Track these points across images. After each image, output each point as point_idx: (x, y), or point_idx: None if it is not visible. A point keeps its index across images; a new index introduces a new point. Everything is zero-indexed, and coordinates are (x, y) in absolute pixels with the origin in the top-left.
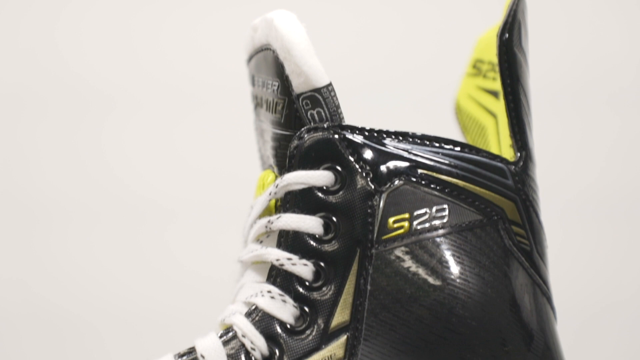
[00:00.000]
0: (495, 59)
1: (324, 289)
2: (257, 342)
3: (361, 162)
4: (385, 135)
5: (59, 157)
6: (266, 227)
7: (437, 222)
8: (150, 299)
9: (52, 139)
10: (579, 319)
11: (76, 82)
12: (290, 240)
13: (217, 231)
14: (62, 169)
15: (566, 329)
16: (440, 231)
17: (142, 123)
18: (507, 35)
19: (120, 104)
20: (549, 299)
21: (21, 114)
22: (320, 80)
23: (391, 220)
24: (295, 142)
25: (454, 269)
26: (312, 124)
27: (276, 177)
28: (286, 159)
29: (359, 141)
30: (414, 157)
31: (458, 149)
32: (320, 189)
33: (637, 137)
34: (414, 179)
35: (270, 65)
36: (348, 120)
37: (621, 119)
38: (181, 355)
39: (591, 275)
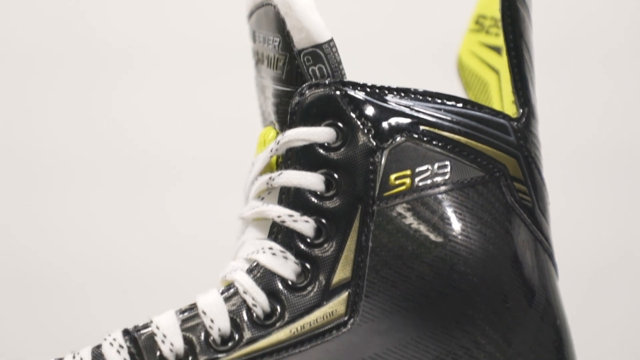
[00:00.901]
0: (497, 15)
1: (325, 245)
2: (258, 298)
3: (363, 119)
4: (387, 92)
5: (66, 111)
6: (267, 184)
7: (438, 179)
8: (150, 258)
9: (60, 93)
10: (581, 275)
11: (90, 35)
12: (291, 197)
13: (218, 188)
14: (66, 122)
15: (568, 286)
16: (442, 188)
17: (150, 81)
18: None
19: (130, 61)
20: (550, 256)
21: (32, 67)
22: (321, 36)
23: (393, 177)
24: (297, 99)
25: (456, 225)
26: (313, 80)
27: (277, 133)
28: (287, 115)
29: (361, 97)
30: (415, 114)
31: (460, 105)
32: (321, 145)
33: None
34: (416, 136)
35: (271, 21)
36: (350, 77)
37: (620, 73)
38: (182, 312)
39: (593, 231)
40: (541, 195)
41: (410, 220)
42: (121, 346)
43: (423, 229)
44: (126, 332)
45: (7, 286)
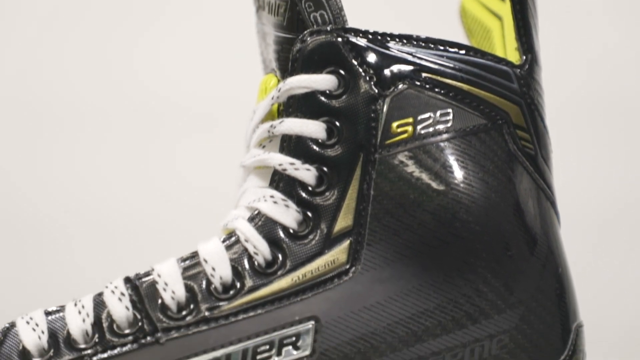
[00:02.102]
0: None
1: (326, 194)
2: (259, 246)
3: (365, 66)
4: (389, 39)
5: (78, 56)
6: (269, 131)
7: (441, 127)
8: (151, 206)
9: (73, 37)
10: (583, 223)
11: None
12: (293, 145)
13: (219, 136)
14: (77, 68)
15: (570, 234)
16: (444, 135)
17: (155, 28)
18: None
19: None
20: (552, 204)
21: (46, 14)
22: None
23: (395, 124)
24: (298, 45)
25: (458, 173)
26: (315, 27)
27: (278, 81)
28: (289, 62)
29: (363, 44)
30: (418, 61)
31: (463, 52)
32: (323, 93)
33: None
34: (418, 83)
35: None
36: (351, 23)
37: (623, 21)
38: (184, 260)
39: (595, 179)
40: (544, 143)
41: (412, 168)
42: (122, 294)
43: (425, 177)
44: (128, 280)
45: (11, 233)
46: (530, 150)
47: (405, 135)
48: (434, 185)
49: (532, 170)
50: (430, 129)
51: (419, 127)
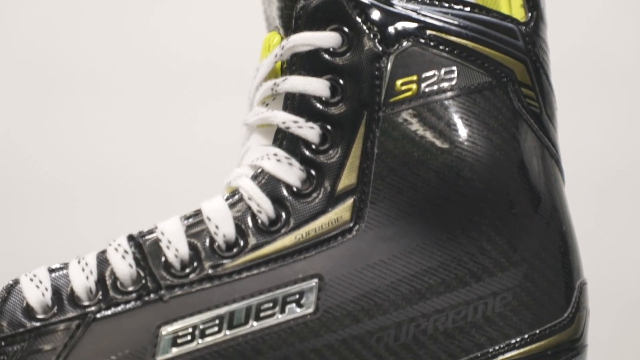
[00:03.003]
0: None
1: (330, 152)
2: (263, 204)
3: (369, 23)
4: None
5: (92, 12)
6: (272, 89)
7: (445, 85)
8: (154, 164)
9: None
10: (587, 181)
11: None
12: (296, 103)
13: (222, 95)
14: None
15: (574, 192)
16: (449, 93)
17: None
18: None
19: None
20: (557, 162)
21: None
22: None
23: (399, 82)
24: (302, 3)
25: (462, 131)
26: None
27: (282, 38)
28: (292, 20)
29: (367, 1)
30: (422, 18)
31: (468, 9)
32: (326, 50)
33: None
34: (423, 41)
35: None
36: None
37: None
38: (187, 218)
39: (600, 137)
40: (549, 101)
41: (416, 126)
42: (126, 251)
43: (429, 135)
44: (131, 238)
45: (16, 190)
46: (535, 108)
47: (409, 93)
48: (438, 143)
49: (536, 128)
50: (435, 87)
51: (423, 84)
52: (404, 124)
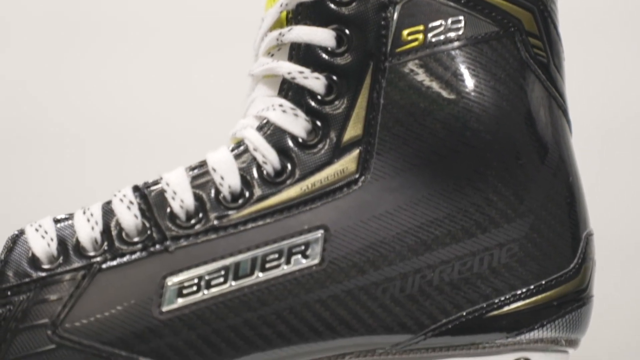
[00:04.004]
0: None
1: (336, 102)
2: (268, 155)
3: None
4: None
5: None
6: (277, 40)
7: (452, 34)
8: (160, 114)
9: None
10: (595, 132)
11: None
12: (302, 53)
13: (228, 44)
14: None
15: (581, 142)
16: (456, 43)
17: None
18: None
19: None
20: (564, 112)
21: None
22: None
23: (405, 32)
24: None
25: (469, 82)
26: None
27: None
28: None
29: None
30: None
31: None
32: (332, 0)
33: None
34: None
35: None
36: None
37: None
38: (192, 169)
39: (608, 87)
40: (556, 51)
41: (422, 76)
42: (131, 202)
43: (435, 85)
44: (136, 189)
45: (20, 140)
46: (542, 58)
47: (415, 43)
48: (445, 93)
49: (544, 79)
50: (442, 37)
51: (429, 34)
52: (411, 74)
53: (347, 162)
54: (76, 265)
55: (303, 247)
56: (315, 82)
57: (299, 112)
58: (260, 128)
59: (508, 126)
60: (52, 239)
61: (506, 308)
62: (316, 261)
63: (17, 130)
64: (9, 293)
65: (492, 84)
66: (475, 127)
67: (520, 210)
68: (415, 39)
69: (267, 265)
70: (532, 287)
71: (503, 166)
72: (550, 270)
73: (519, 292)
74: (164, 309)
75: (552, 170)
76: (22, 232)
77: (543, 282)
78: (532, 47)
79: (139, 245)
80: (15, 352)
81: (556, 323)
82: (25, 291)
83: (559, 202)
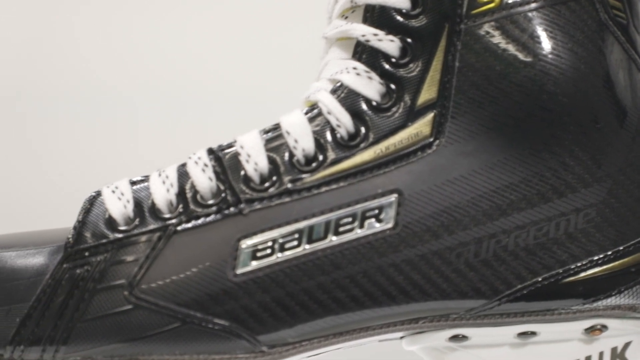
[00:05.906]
0: None
1: (410, 65)
2: (342, 119)
3: None
4: None
5: None
6: (351, 2)
7: None
8: (233, 77)
9: None
10: None
11: None
12: (376, 16)
13: (300, 9)
14: None
15: None
16: (533, 5)
17: None
18: None
19: None
20: None
21: None
22: None
23: None
24: None
25: (546, 44)
26: None
27: None
28: None
29: None
30: None
31: None
32: None
33: None
34: None
35: None
36: None
37: None
38: (266, 132)
39: None
40: (636, 12)
41: (498, 39)
42: (206, 165)
43: (512, 48)
44: (211, 151)
45: (96, 105)
46: (622, 19)
47: (492, 5)
48: (521, 56)
49: (623, 40)
50: None
51: None
52: (486, 36)
53: (421, 126)
54: (152, 227)
55: (377, 211)
56: (389, 44)
57: (373, 75)
58: (334, 91)
59: (586, 89)
60: (128, 201)
61: (583, 274)
62: (390, 225)
63: (97, 93)
64: (86, 254)
65: (570, 46)
66: (552, 90)
67: (597, 174)
68: (492, 1)
69: (341, 229)
70: (609, 253)
71: (580, 130)
72: (628, 236)
73: (595, 258)
74: (238, 271)
75: (631, 134)
76: (98, 194)
77: (621, 248)
78: (611, 8)
79: (214, 208)
80: (93, 312)
81: (634, 290)
82: (102, 252)
83: (638, 167)
